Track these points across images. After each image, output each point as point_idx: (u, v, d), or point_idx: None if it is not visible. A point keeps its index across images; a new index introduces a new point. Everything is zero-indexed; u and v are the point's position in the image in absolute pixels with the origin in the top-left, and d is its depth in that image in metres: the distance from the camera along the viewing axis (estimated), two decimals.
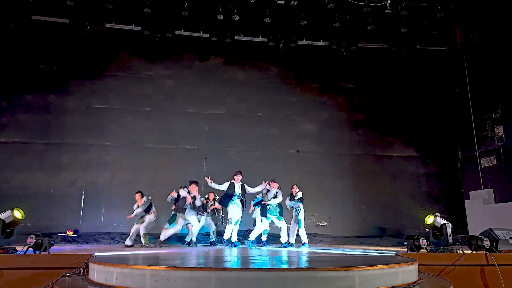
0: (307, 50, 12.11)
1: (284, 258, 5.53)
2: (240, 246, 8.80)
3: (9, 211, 5.61)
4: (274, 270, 3.75)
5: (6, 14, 10.30)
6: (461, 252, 5.86)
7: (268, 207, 8.66)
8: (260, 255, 6.32)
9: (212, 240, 9.64)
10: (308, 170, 11.69)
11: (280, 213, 8.84)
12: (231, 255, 6.19)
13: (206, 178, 8.74)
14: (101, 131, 11.18)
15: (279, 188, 8.81)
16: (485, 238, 6.27)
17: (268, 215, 8.69)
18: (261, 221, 8.79)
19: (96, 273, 4.34)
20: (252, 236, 8.72)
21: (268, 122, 11.91)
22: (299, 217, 8.92)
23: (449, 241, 6.39)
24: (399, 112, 12.31)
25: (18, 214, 5.65)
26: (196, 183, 8.92)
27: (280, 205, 8.88)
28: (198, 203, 8.87)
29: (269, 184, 8.77)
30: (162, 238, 8.63)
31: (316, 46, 12.08)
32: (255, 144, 11.73)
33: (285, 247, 8.62)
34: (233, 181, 8.76)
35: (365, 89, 12.39)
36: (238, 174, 8.79)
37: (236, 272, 3.65)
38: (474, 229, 10.23)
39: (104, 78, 11.48)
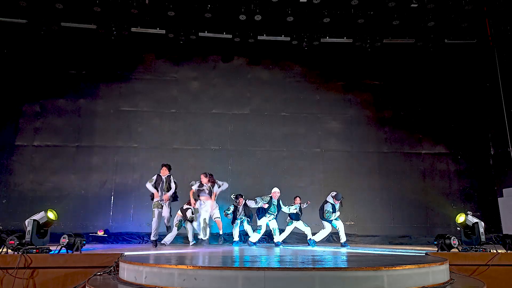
0: (331, 48, 11.97)
1: (311, 258, 5.51)
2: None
3: (43, 212, 5.83)
4: (301, 270, 3.74)
5: (37, 22, 10.67)
6: (495, 251, 5.69)
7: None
8: (288, 254, 6.31)
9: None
10: (334, 168, 11.59)
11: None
12: (259, 255, 6.21)
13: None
14: (129, 133, 11.42)
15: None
16: None
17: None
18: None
19: (126, 272, 4.45)
20: (318, 238, 9.24)
21: (293, 121, 11.86)
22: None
23: (482, 240, 6.22)
24: (428, 108, 12.01)
25: (51, 215, 5.86)
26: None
27: (334, 207, 9.19)
28: None
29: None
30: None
31: (340, 43, 11.93)
32: (280, 144, 11.71)
33: (345, 246, 8.90)
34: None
35: (391, 85, 12.15)
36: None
37: (263, 271, 3.66)
38: (509, 227, 9.90)
39: (131, 81, 11.72)
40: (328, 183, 11.12)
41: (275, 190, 9.19)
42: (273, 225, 9.09)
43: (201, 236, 8.76)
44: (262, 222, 9.12)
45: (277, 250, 7.79)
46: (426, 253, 5.89)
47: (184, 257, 5.57)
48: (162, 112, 11.64)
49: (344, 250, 7.91)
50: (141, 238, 10.14)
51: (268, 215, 9.06)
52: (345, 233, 9.26)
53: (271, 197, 9.08)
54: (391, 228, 11.22)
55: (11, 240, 5.40)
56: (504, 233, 9.10)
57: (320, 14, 10.80)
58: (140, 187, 10.94)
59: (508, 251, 6.21)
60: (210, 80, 11.99)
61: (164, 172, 8.95)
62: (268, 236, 9.93)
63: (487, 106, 11.85)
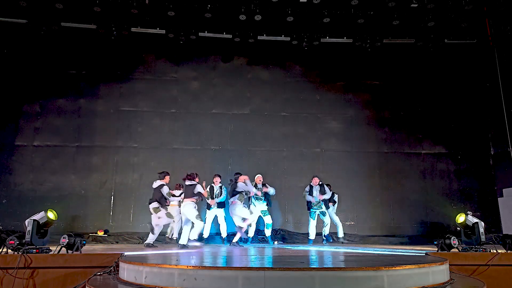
0: (331, 48, 11.98)
1: (311, 258, 5.51)
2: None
3: (43, 212, 5.82)
4: (301, 270, 3.73)
5: (37, 22, 10.67)
6: (495, 251, 5.69)
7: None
8: (288, 254, 6.31)
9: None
10: (334, 168, 11.58)
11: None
12: (259, 255, 6.21)
13: None
14: (129, 133, 11.43)
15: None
16: None
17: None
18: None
19: (126, 272, 4.45)
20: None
21: (292, 121, 11.87)
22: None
23: (482, 240, 6.22)
24: (427, 108, 12.00)
25: (51, 215, 5.86)
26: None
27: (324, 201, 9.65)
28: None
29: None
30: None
31: (340, 43, 11.93)
32: (280, 144, 11.71)
33: (328, 240, 9.27)
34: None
35: (391, 85, 12.14)
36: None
37: (263, 271, 3.65)
38: (509, 227, 9.90)
39: (132, 81, 11.72)
40: (328, 183, 11.09)
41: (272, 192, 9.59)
42: (267, 220, 9.44)
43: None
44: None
45: (277, 250, 7.78)
46: (426, 253, 5.89)
47: (185, 256, 5.57)
48: (162, 112, 11.64)
49: (342, 249, 7.89)
50: (141, 238, 10.12)
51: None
52: (345, 233, 9.30)
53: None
54: (391, 228, 11.22)
55: (11, 240, 5.39)
56: (504, 233, 9.11)
57: (320, 14, 10.80)
58: (140, 187, 10.98)
59: (508, 251, 6.21)
60: (210, 80, 11.99)
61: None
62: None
63: (487, 106, 11.84)
